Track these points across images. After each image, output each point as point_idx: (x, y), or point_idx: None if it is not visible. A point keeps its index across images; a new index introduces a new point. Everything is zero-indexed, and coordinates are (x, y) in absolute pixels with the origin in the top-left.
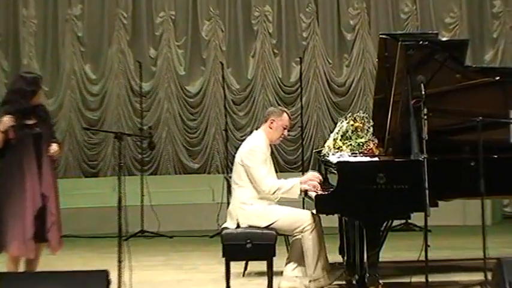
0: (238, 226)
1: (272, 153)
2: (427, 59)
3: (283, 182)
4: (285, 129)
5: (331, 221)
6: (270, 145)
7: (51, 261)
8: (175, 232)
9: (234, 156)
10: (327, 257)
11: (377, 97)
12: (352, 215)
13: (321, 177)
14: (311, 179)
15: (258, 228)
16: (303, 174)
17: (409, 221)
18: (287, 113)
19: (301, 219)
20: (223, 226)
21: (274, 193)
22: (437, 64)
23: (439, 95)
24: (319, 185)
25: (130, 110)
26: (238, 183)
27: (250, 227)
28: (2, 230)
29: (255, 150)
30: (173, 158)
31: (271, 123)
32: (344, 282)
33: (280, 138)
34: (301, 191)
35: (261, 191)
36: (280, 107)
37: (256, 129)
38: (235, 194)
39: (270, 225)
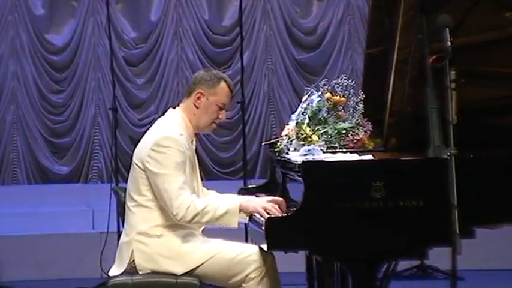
0: (133, 272)
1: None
2: None
3: (210, 201)
4: (221, 108)
5: (293, 262)
6: (197, 135)
7: None
8: (30, 283)
9: (129, 155)
10: None
11: (371, 52)
12: (328, 252)
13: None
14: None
15: (169, 275)
16: (244, 183)
17: (426, 262)
18: (226, 82)
19: (243, 260)
20: (110, 273)
21: (192, 221)
22: None
23: (477, 49)
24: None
25: None
26: (137, 200)
27: (154, 273)
28: None
29: (165, 146)
30: (25, 156)
31: (198, 98)
32: None
33: (214, 125)
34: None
35: (170, 215)
36: (214, 71)
37: (174, 107)
38: (130, 218)
39: (191, 271)
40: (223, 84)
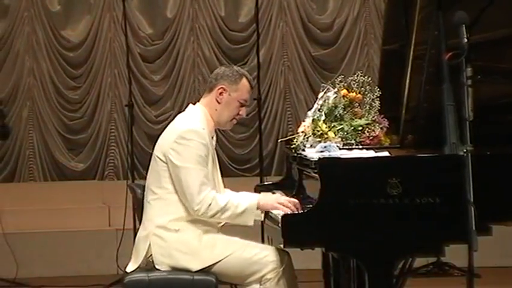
0: (150, 268)
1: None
2: None
3: (230, 198)
4: (242, 105)
5: (310, 260)
6: (216, 131)
7: None
8: (46, 280)
9: (146, 151)
10: None
11: (387, 48)
12: (344, 250)
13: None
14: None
15: (186, 272)
16: (261, 180)
17: (442, 259)
18: (248, 78)
19: (259, 260)
20: (127, 269)
21: (212, 216)
22: None
23: (494, 46)
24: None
25: None
26: (158, 193)
27: (172, 270)
28: None
29: (188, 138)
30: (41, 153)
31: (220, 93)
32: None
33: (234, 121)
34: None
35: (190, 209)
36: (236, 68)
37: (194, 103)
38: (149, 212)
39: (207, 268)
40: (244, 80)
